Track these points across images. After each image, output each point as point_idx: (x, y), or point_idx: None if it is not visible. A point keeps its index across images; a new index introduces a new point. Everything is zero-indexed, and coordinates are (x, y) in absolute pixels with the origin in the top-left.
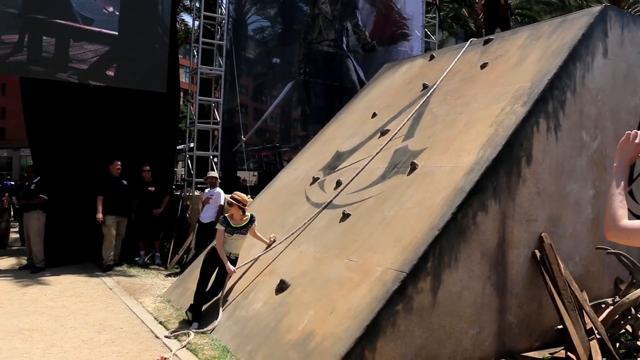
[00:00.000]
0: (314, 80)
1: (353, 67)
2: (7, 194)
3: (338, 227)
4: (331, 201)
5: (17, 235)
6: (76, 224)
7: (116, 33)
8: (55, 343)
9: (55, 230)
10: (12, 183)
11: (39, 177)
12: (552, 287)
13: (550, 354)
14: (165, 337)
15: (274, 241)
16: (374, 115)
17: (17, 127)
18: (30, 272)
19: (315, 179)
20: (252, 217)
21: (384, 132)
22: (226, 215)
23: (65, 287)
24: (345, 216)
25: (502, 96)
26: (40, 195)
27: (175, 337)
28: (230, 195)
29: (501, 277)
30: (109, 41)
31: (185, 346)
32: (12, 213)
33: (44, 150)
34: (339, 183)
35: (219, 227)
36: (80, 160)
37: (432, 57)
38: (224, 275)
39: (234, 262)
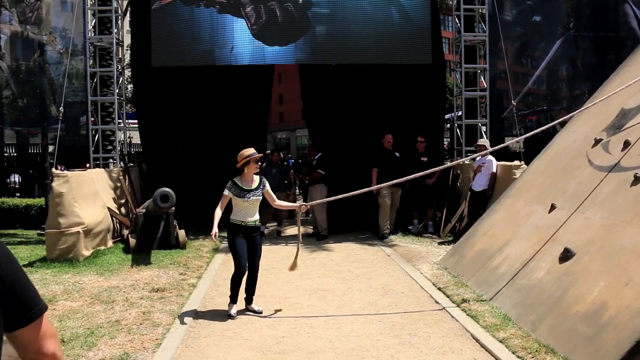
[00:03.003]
0: (583, 34)
1: (632, 12)
2: (292, 170)
3: (629, 191)
4: (618, 162)
5: None
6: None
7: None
8: (345, 303)
9: (336, 201)
10: (293, 161)
11: (320, 154)
12: None
13: None
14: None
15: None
16: None
17: (292, 111)
18: (316, 239)
19: (597, 141)
20: (261, 178)
21: None
22: (235, 179)
23: (348, 253)
24: (638, 179)
25: None
26: (318, 170)
27: (457, 304)
28: (241, 153)
29: None
30: (375, 22)
31: (466, 312)
32: (297, 187)
33: (319, 129)
34: (626, 143)
35: (225, 194)
36: (353, 135)
37: None
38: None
39: (251, 228)
